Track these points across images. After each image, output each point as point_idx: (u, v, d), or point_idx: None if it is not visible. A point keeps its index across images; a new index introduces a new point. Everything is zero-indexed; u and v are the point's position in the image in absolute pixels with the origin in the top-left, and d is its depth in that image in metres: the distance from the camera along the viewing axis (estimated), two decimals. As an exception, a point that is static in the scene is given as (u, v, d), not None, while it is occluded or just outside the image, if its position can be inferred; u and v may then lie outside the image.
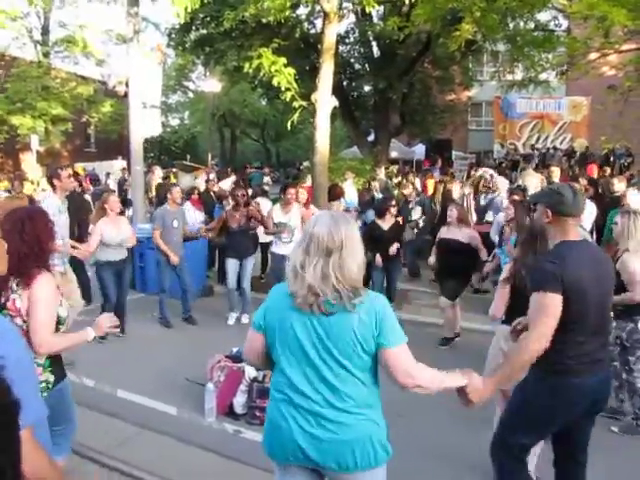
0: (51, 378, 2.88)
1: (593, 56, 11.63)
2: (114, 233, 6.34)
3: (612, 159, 16.43)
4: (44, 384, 2.84)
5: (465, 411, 2.51)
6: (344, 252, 2.09)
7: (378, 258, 6.94)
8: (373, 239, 6.85)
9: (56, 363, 2.91)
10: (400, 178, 13.93)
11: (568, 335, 2.56)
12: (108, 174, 18.75)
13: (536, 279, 2.62)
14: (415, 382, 2.11)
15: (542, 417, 2.70)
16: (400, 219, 7.70)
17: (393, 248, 6.82)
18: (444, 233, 6.38)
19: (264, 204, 8.73)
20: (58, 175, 5.81)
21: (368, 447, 2.12)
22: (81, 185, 11.55)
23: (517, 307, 3.36)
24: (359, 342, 2.07)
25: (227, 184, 11.96)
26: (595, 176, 11.69)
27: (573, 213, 2.71)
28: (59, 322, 2.84)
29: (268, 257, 8.70)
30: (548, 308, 2.52)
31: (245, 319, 7.28)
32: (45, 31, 22.75)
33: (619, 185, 8.50)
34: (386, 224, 7.05)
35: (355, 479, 2.15)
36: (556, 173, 9.67)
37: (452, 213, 6.31)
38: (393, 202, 7.37)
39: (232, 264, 7.33)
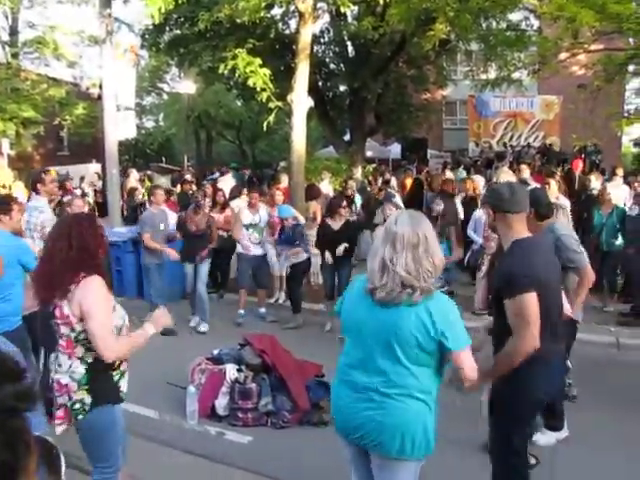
0: (87, 399, 2.62)
1: (563, 56, 11.83)
2: None
3: (583, 156, 16.74)
4: (78, 404, 2.62)
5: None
6: (428, 244, 2.28)
7: (328, 256, 7.04)
8: (322, 238, 7.06)
9: (100, 381, 2.65)
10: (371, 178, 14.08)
11: (545, 324, 2.68)
12: (82, 178, 18.49)
13: (509, 286, 2.67)
14: (476, 374, 2.33)
15: (538, 403, 2.93)
16: (356, 218, 7.98)
17: (340, 249, 6.86)
18: None
19: (242, 205, 8.73)
20: (42, 180, 5.73)
21: (406, 437, 2.27)
22: (65, 190, 11.41)
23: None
24: (416, 339, 2.23)
25: (227, 183, 12.00)
26: (578, 171, 11.89)
27: (513, 209, 2.76)
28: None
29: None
30: (529, 310, 2.61)
31: (204, 328, 7.16)
32: (13, 32, 22.31)
33: (596, 182, 8.68)
34: (336, 224, 7.10)
35: (390, 466, 2.32)
36: (526, 170, 9.82)
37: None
38: (344, 202, 7.42)
39: (189, 268, 7.36)
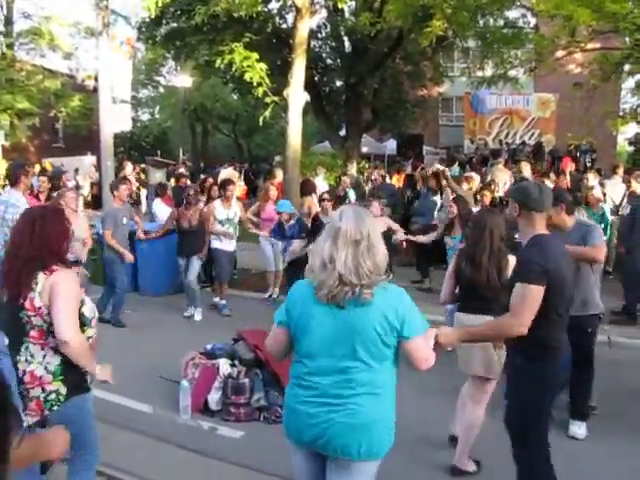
0: (62, 389, 2.67)
1: (560, 54, 11.85)
2: None
3: (577, 155, 16.79)
4: (54, 395, 2.65)
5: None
6: (370, 242, 2.24)
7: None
8: (313, 231, 7.10)
9: (71, 372, 2.69)
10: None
11: (551, 319, 2.84)
12: (76, 170, 18.42)
13: (522, 270, 2.85)
14: (430, 364, 2.32)
15: (553, 395, 3.04)
16: None
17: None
18: None
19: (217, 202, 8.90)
20: (26, 172, 5.71)
21: (372, 437, 2.24)
22: (53, 184, 11.34)
23: (467, 295, 3.88)
24: (379, 336, 2.21)
25: (227, 173, 12.03)
26: (568, 170, 11.93)
27: (538, 208, 2.93)
28: (84, 323, 2.73)
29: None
30: (531, 300, 2.75)
31: (198, 316, 7.32)
32: (8, 22, 22.14)
33: (593, 181, 8.71)
34: (327, 218, 7.15)
35: (351, 468, 2.27)
36: (526, 168, 9.84)
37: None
38: (325, 196, 7.55)
39: (182, 262, 7.46)
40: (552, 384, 2.98)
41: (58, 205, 6.23)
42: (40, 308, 2.61)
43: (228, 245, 7.59)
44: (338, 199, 10.11)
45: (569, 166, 12.34)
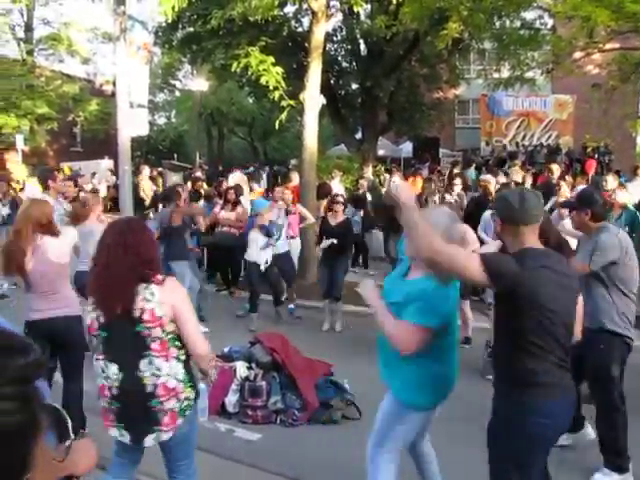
0: (192, 395, 2.67)
1: (578, 55, 11.75)
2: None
3: (597, 157, 16.61)
4: (187, 402, 2.64)
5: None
6: None
7: (317, 249, 7.22)
8: (321, 233, 7.17)
9: (193, 377, 2.71)
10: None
11: (530, 347, 2.36)
12: (93, 174, 18.59)
13: (493, 265, 2.32)
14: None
15: (538, 437, 2.47)
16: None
17: (326, 243, 6.90)
18: None
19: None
20: (53, 176, 5.75)
21: None
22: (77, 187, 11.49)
23: None
24: None
25: (237, 178, 12.11)
26: (592, 172, 11.78)
27: (523, 220, 2.41)
28: None
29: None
30: (475, 261, 2.29)
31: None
32: (28, 28, 22.48)
33: (612, 183, 8.58)
34: (334, 220, 7.12)
35: None
36: (556, 171, 9.68)
37: None
38: (339, 198, 7.42)
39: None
40: (533, 423, 2.38)
41: (82, 210, 6.31)
42: (161, 318, 2.53)
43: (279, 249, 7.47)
44: (356, 202, 10.11)
45: (593, 168, 12.19)
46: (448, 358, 2.79)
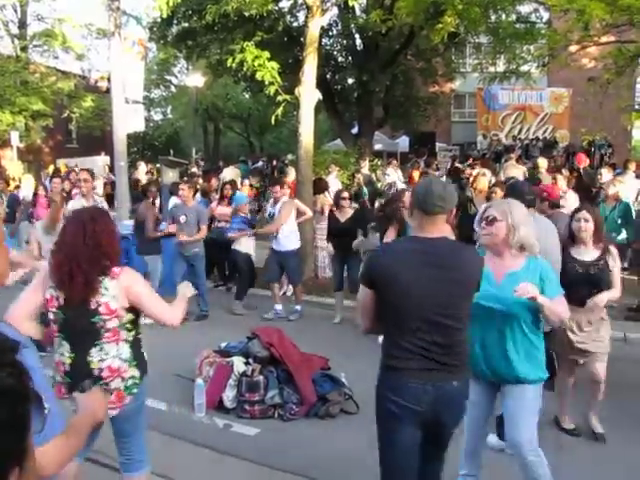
0: (137, 373, 2.77)
1: (573, 48, 11.72)
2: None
3: (593, 150, 16.64)
4: (131, 381, 2.74)
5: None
6: None
7: (330, 247, 7.35)
8: (330, 230, 7.26)
9: (139, 355, 2.81)
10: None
11: (389, 329, 2.55)
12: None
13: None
14: None
15: (388, 417, 2.56)
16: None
17: (356, 242, 6.94)
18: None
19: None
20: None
21: None
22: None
23: None
24: None
25: (230, 173, 12.12)
26: (582, 166, 11.81)
27: (422, 208, 2.52)
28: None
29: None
30: (362, 300, 2.64)
31: None
32: (22, 25, 22.37)
33: (607, 175, 8.60)
34: (343, 216, 7.16)
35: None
36: (542, 165, 9.72)
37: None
38: (345, 194, 7.46)
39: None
40: (383, 402, 2.52)
41: (53, 213, 6.30)
42: (116, 310, 2.66)
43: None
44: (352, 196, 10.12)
45: (583, 161, 12.21)
46: None
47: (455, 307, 2.48)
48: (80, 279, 2.61)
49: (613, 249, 4.10)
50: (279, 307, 7.43)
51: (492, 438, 3.84)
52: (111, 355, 2.70)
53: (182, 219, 7.22)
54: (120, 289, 2.66)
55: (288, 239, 7.41)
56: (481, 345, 2.96)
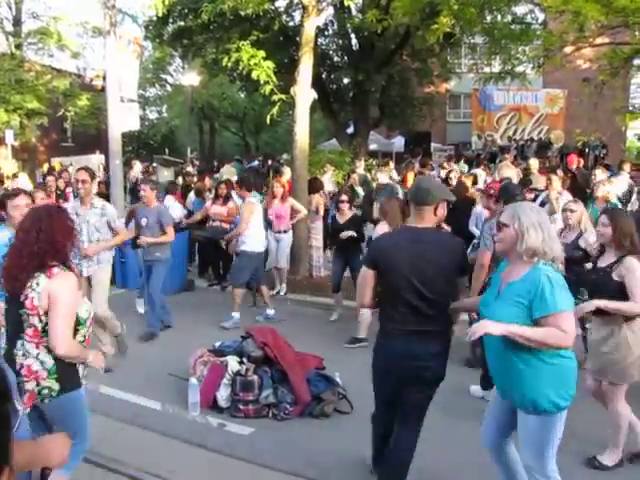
0: (55, 386, 2.78)
1: (568, 50, 11.76)
2: None
3: (587, 151, 16.69)
4: (46, 390, 2.77)
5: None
6: None
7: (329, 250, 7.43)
8: (331, 231, 7.37)
9: (66, 370, 2.81)
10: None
11: (383, 300, 3.18)
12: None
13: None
14: None
15: (376, 373, 3.22)
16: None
17: (346, 234, 6.88)
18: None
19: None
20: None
21: None
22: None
23: None
24: None
25: (227, 172, 12.12)
26: (574, 167, 11.84)
27: (412, 200, 3.15)
28: (79, 323, 2.82)
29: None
30: (364, 279, 3.20)
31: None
32: (17, 22, 22.25)
33: (601, 176, 8.63)
34: (342, 218, 7.20)
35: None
36: (534, 166, 9.75)
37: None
38: (343, 197, 7.43)
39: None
40: (375, 361, 3.22)
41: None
42: (37, 308, 2.70)
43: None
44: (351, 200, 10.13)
45: (575, 162, 12.25)
46: None
47: (434, 283, 3.01)
48: (14, 271, 2.71)
49: (627, 260, 3.62)
50: (271, 312, 7.22)
51: (475, 388, 4.57)
52: (32, 355, 2.76)
53: (143, 222, 6.61)
54: (45, 289, 2.69)
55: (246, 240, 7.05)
56: (495, 355, 2.80)
